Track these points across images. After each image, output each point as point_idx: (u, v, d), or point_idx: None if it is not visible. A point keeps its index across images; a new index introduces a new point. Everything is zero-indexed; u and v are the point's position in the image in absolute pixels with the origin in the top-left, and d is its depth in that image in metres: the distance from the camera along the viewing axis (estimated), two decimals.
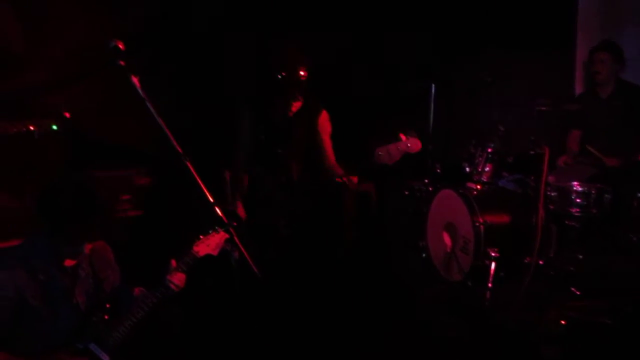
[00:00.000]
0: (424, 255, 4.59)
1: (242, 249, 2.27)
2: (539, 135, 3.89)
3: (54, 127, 3.64)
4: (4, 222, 3.27)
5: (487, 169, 4.27)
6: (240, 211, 3.57)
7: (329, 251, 3.95)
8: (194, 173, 2.20)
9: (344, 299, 3.86)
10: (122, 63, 2.18)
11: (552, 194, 4.09)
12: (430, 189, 4.76)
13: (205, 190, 2.22)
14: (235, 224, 2.25)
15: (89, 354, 2.50)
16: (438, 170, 4.90)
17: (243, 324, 2.84)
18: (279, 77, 3.38)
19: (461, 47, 5.27)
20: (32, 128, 3.54)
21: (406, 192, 5.29)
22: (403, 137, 3.12)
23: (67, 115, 3.69)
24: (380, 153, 3.19)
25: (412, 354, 3.48)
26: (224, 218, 2.24)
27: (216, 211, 2.23)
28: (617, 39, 4.75)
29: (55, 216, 2.40)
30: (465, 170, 4.36)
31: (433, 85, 4.93)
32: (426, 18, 5.28)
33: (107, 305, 2.62)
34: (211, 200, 2.22)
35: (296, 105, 3.60)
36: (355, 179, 3.52)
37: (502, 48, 4.99)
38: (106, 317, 2.58)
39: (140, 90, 2.14)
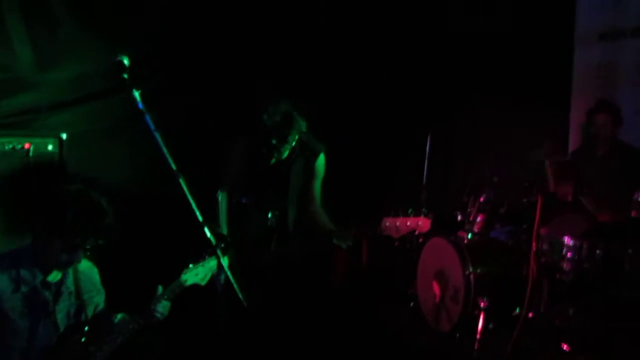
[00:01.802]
0: (412, 304, 4.53)
1: (229, 274, 2.22)
2: (533, 184, 3.90)
3: (50, 148, 3.62)
4: None
5: (479, 219, 4.28)
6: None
7: (316, 300, 3.88)
8: (186, 191, 2.18)
9: (330, 348, 3.77)
10: (125, 77, 2.19)
11: (544, 247, 4.08)
12: (421, 240, 4.74)
13: (196, 209, 2.19)
14: (223, 245, 2.21)
15: None
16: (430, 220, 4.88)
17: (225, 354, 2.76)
18: (268, 123, 3.36)
19: (459, 100, 5.37)
20: (27, 146, 3.52)
21: (397, 243, 5.27)
22: (412, 217, 3.14)
23: (63, 136, 3.67)
24: (387, 224, 3.16)
25: None
26: (213, 239, 2.20)
27: (205, 231, 2.19)
28: (612, 98, 4.84)
29: (54, 226, 2.37)
30: (457, 219, 4.36)
31: (429, 136, 5.02)
32: (427, 71, 5.40)
33: (86, 328, 2.55)
34: (200, 219, 2.19)
35: (288, 150, 3.50)
36: (353, 231, 3.41)
37: (499, 102, 5.09)
38: (83, 339, 2.50)
39: (140, 104, 2.14)
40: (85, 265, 2.67)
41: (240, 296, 2.22)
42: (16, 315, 2.39)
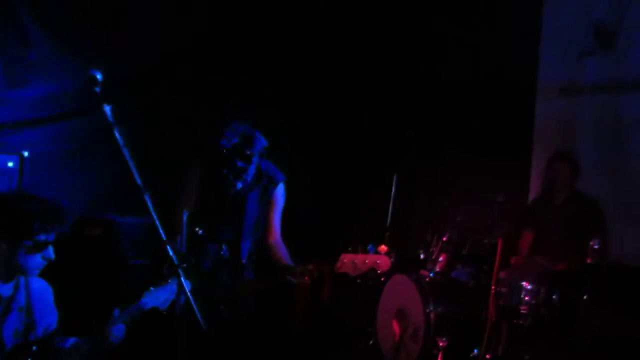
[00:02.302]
0: (371, 342, 4.49)
1: (190, 296, 2.18)
2: (494, 226, 3.98)
3: (10, 164, 3.56)
4: None
5: (441, 258, 4.32)
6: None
7: (274, 339, 3.78)
8: (150, 208, 2.15)
9: None
10: (97, 91, 2.18)
11: (503, 290, 4.13)
12: (383, 279, 4.73)
13: (160, 227, 2.16)
14: (185, 266, 2.17)
15: None
16: (391, 258, 4.91)
17: None
18: (227, 146, 3.22)
19: (427, 143, 5.50)
20: None
21: (358, 280, 5.25)
22: (371, 254, 3.03)
23: (25, 154, 3.62)
24: (345, 261, 3.03)
25: None
26: (175, 258, 2.16)
27: (167, 250, 2.16)
28: (572, 150, 4.99)
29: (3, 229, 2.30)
30: (420, 257, 4.39)
31: (395, 176, 5.09)
32: (396, 112, 5.53)
33: (34, 348, 2.44)
34: (164, 237, 2.16)
35: (252, 172, 3.36)
36: (311, 268, 3.25)
37: (465, 146, 5.22)
38: None
39: (111, 118, 2.13)
40: (39, 285, 2.57)
41: (200, 319, 2.17)
42: None
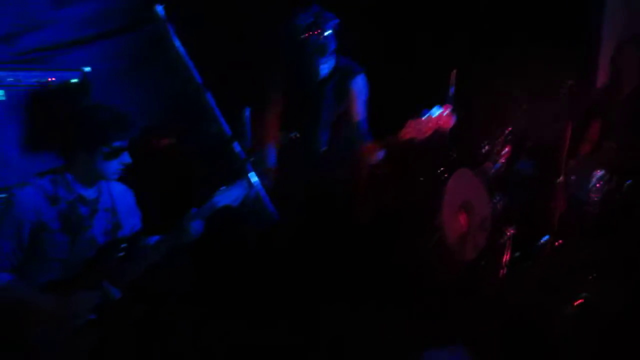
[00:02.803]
0: (436, 235, 4.53)
1: (259, 188, 2.22)
2: (562, 112, 3.82)
3: (73, 80, 3.62)
4: None
5: (505, 150, 4.22)
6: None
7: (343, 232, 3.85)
8: (214, 106, 2.17)
9: (353, 279, 3.79)
10: None
11: (572, 178, 4.02)
12: (446, 175, 4.69)
13: (225, 124, 2.19)
14: (252, 159, 2.21)
15: (100, 289, 2.48)
16: (454, 155, 4.84)
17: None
18: (303, 37, 3.13)
19: (485, 35, 5.23)
20: (50, 79, 3.54)
21: (421, 179, 5.24)
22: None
23: (86, 69, 3.67)
24: (411, 126, 3.09)
25: (424, 334, 3.42)
26: (242, 153, 2.20)
27: (234, 146, 2.19)
28: None
29: (84, 138, 2.44)
30: (484, 150, 4.30)
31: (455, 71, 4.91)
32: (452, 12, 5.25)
33: (123, 245, 2.60)
34: (229, 134, 2.19)
35: (324, 69, 3.29)
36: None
37: (527, 35, 4.94)
38: (120, 254, 2.56)
39: (164, 15, 2.12)
40: (120, 187, 2.73)
41: (270, 210, 2.23)
42: (55, 229, 2.45)
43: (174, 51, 2.18)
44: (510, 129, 4.13)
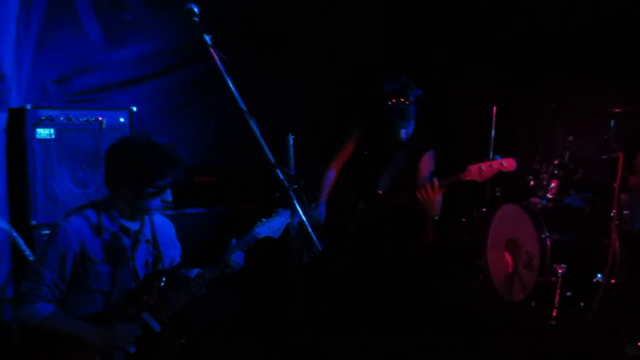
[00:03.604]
0: (481, 276, 4.38)
1: (302, 215, 2.19)
2: (611, 142, 3.69)
3: (121, 120, 3.75)
4: None
5: (552, 184, 4.08)
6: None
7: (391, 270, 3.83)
8: (256, 132, 2.18)
9: (402, 318, 3.69)
10: (196, 20, 2.22)
11: (625, 212, 3.85)
12: (489, 213, 4.57)
13: (267, 151, 2.18)
14: (296, 187, 2.18)
15: (140, 321, 2.46)
16: (498, 194, 4.73)
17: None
18: (389, 103, 3.49)
19: (524, 74, 5.19)
20: (100, 119, 3.66)
21: (463, 219, 5.13)
22: (497, 160, 3.26)
23: (134, 109, 3.81)
24: (471, 169, 3.26)
25: None
26: (285, 181, 2.18)
27: (277, 173, 2.18)
28: None
29: (134, 172, 2.46)
30: (530, 184, 4.18)
31: (494, 108, 4.87)
32: (493, 46, 5.25)
33: (164, 277, 2.59)
34: (272, 161, 2.18)
35: (406, 133, 3.64)
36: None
37: (566, 72, 4.87)
38: (162, 287, 2.54)
39: (211, 44, 2.16)
40: (162, 220, 2.75)
41: (314, 239, 2.19)
42: (98, 259, 2.47)
43: (221, 80, 2.20)
44: (557, 162, 4.01)
